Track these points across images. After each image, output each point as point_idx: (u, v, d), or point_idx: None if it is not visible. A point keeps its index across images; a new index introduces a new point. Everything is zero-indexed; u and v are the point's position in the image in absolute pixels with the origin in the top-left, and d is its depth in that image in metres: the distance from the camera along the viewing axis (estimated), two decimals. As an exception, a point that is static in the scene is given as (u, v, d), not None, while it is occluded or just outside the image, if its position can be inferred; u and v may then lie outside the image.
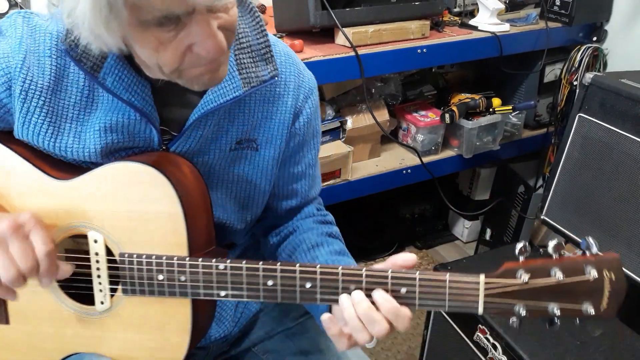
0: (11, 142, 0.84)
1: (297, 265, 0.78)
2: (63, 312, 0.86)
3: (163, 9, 0.63)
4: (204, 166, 0.89)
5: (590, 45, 2.07)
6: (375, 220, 2.45)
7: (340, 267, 0.77)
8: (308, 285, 0.77)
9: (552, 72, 2.14)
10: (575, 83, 2.06)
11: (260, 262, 0.79)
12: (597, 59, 2.09)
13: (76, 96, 0.82)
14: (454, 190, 2.59)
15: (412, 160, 1.99)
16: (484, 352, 1.36)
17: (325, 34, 1.69)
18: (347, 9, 1.65)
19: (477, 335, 1.38)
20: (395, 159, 2.01)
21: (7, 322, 0.87)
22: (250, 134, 0.91)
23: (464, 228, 2.58)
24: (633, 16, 2.04)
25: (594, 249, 0.71)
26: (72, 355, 0.89)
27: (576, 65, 2.06)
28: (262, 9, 1.93)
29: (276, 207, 1.02)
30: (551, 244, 0.72)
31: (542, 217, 1.71)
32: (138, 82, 0.80)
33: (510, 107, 2.05)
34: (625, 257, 1.44)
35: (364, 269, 0.76)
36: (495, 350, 1.32)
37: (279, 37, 1.63)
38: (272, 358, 1.08)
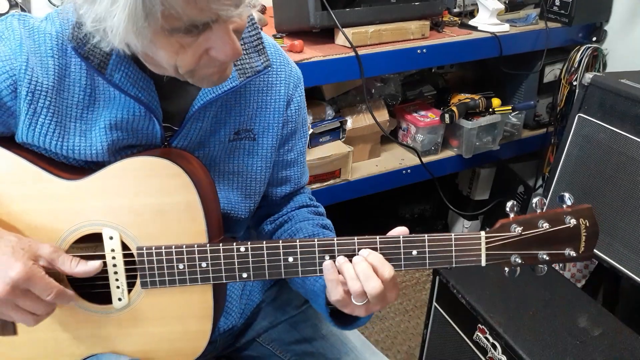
0: (14, 147, 0.84)
1: (316, 240, 0.82)
2: (78, 315, 0.86)
3: (196, 18, 0.66)
4: (205, 159, 0.92)
5: (589, 45, 2.07)
6: (375, 220, 2.45)
7: (355, 238, 0.82)
8: (327, 257, 0.82)
9: (551, 72, 2.14)
10: (574, 83, 2.06)
11: (280, 241, 0.82)
12: (596, 59, 2.09)
13: (79, 95, 0.83)
14: (454, 190, 2.59)
15: (411, 160, 1.99)
16: (484, 351, 1.36)
17: (325, 34, 1.69)
18: (347, 9, 1.65)
19: (477, 334, 1.38)
20: (395, 159, 2.01)
21: (14, 333, 0.86)
22: (247, 125, 0.94)
23: (464, 228, 2.58)
24: (632, 16, 2.04)
25: (569, 202, 0.82)
26: (89, 357, 0.89)
27: (576, 66, 2.07)
28: (262, 9, 1.93)
29: (272, 195, 1.05)
30: (534, 201, 0.84)
31: (541, 217, 1.71)
32: (143, 78, 0.82)
33: (510, 107, 2.05)
34: (624, 256, 1.44)
35: (378, 237, 0.83)
36: (495, 350, 1.32)
37: (279, 38, 1.63)
38: (276, 347, 1.10)
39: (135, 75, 0.81)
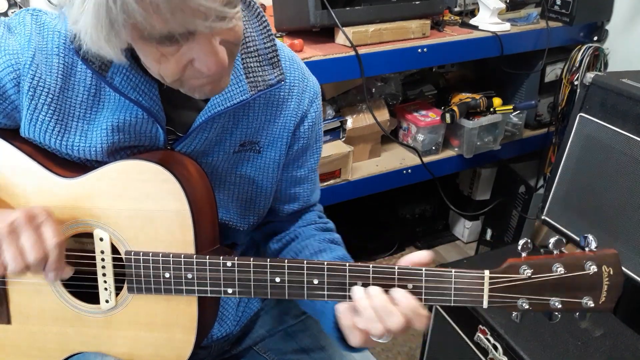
0: (17, 141, 0.84)
1: (305, 261, 0.79)
2: (67, 312, 0.86)
3: (164, 30, 0.64)
4: (207, 168, 0.90)
5: (591, 44, 2.06)
6: (375, 220, 2.45)
7: (347, 264, 0.78)
8: (315, 281, 0.79)
9: (552, 72, 2.14)
10: (576, 83, 2.06)
11: (268, 259, 0.79)
12: (597, 59, 2.08)
13: (83, 94, 0.82)
14: (455, 190, 2.59)
15: (412, 160, 1.99)
16: (485, 352, 1.35)
17: (325, 34, 1.69)
18: (347, 9, 1.65)
19: (478, 335, 1.37)
20: (395, 158, 2.00)
21: (8, 322, 0.87)
22: (253, 137, 0.92)
23: (465, 228, 2.57)
24: (634, 16, 2.04)
25: (593, 246, 0.74)
26: (75, 355, 0.89)
27: (577, 65, 2.06)
28: (262, 8, 1.92)
29: (279, 211, 1.02)
30: (552, 240, 0.75)
31: (542, 217, 1.70)
32: (146, 82, 0.81)
33: (511, 107, 2.05)
34: (626, 257, 1.43)
35: (371, 264, 0.78)
36: (496, 351, 1.31)
37: (278, 37, 1.63)
38: (273, 356, 1.08)
39: (137, 79, 0.80)
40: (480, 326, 1.36)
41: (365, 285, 0.78)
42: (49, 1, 1.74)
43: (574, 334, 1.29)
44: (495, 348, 1.32)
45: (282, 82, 0.89)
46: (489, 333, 1.33)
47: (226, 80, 0.77)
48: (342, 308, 0.80)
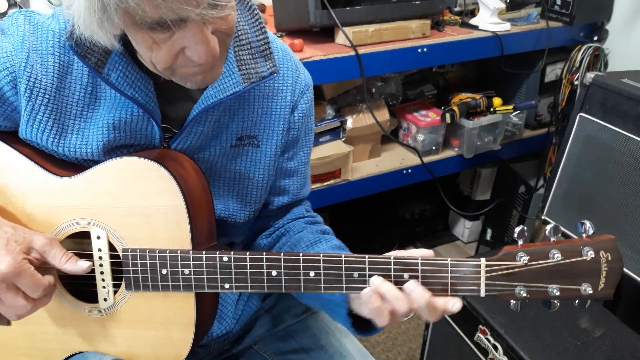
0: (14, 142, 0.84)
1: (301, 254, 0.79)
2: (66, 311, 0.86)
3: (155, 16, 0.65)
4: (205, 163, 0.90)
5: (591, 44, 2.06)
6: (375, 220, 2.45)
7: (343, 255, 0.78)
8: (312, 274, 0.79)
9: (553, 72, 2.14)
10: (576, 83, 2.06)
11: (264, 253, 0.80)
12: (598, 59, 2.09)
13: (80, 93, 0.82)
14: (455, 190, 2.58)
15: (412, 160, 1.99)
16: (485, 352, 1.35)
17: (325, 33, 1.69)
18: (348, 8, 1.65)
19: (478, 335, 1.37)
20: (395, 158, 2.00)
21: (8, 323, 0.87)
22: (251, 130, 0.92)
23: (465, 228, 2.57)
24: (634, 16, 2.04)
25: (590, 232, 0.73)
26: (75, 354, 0.89)
27: (577, 65, 2.06)
28: (262, 8, 1.92)
29: (268, 203, 1.02)
30: (548, 227, 0.74)
31: (542, 217, 1.70)
32: (141, 78, 0.81)
33: (511, 107, 2.05)
34: (626, 256, 1.43)
35: (367, 256, 0.78)
36: (496, 351, 1.31)
37: (278, 37, 1.63)
38: (273, 356, 1.08)
39: (133, 75, 0.80)
40: (481, 326, 1.36)
41: (361, 275, 0.78)
42: (49, 1, 1.74)
43: (574, 334, 1.29)
44: (496, 348, 1.31)
45: (275, 74, 0.89)
46: (489, 333, 1.33)
47: (218, 70, 0.78)
48: (368, 291, 0.78)
